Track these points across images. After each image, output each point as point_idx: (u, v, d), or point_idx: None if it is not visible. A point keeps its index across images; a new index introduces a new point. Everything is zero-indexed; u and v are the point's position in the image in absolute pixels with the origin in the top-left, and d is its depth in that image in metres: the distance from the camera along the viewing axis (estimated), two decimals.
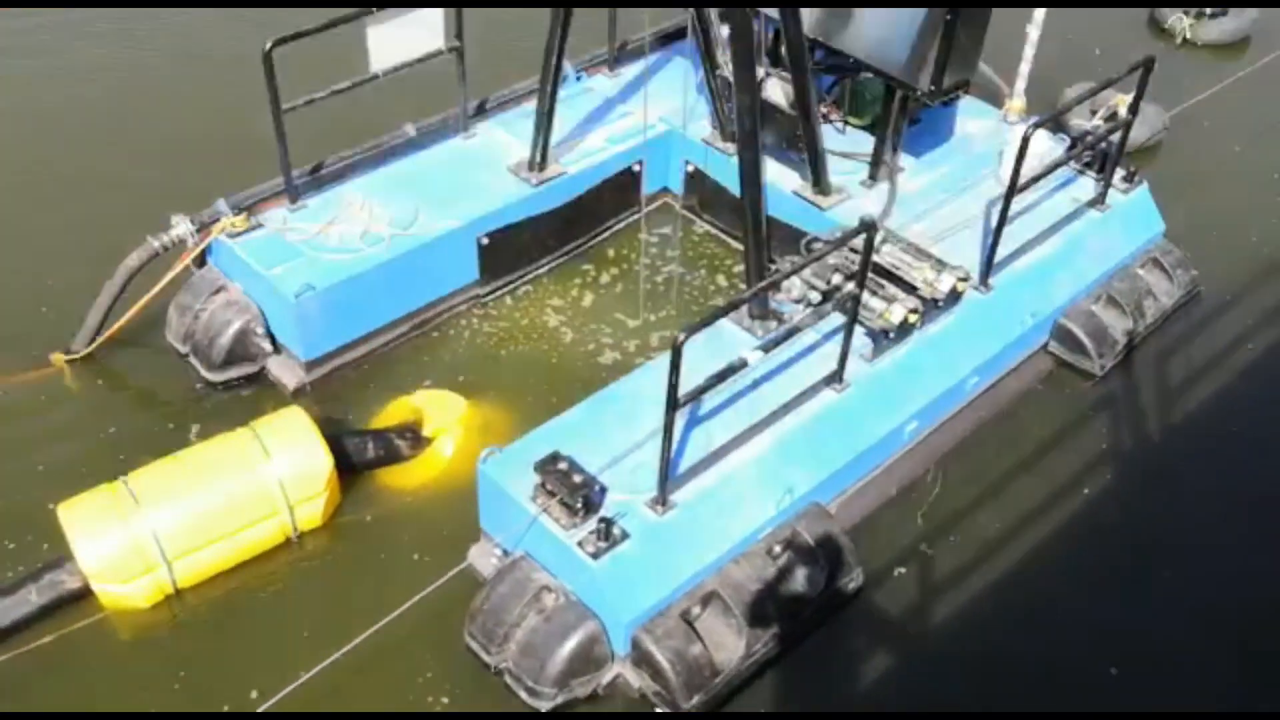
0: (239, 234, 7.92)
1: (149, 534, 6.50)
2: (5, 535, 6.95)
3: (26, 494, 7.10)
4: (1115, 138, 8.40)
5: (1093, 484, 7.64)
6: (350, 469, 7.25)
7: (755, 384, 7.02)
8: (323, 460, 6.91)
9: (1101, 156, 8.65)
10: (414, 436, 7.57)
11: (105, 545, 6.46)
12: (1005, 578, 7.10)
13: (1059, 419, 8.07)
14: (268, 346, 7.96)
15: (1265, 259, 9.41)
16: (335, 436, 7.16)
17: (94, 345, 8.02)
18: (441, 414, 7.70)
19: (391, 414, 7.76)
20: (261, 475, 6.75)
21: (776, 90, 8.29)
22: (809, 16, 8.08)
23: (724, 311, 6.10)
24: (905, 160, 8.80)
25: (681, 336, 5.63)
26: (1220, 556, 7.28)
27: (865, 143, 8.73)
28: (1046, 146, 8.31)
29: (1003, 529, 7.34)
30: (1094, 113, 9.45)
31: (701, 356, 6.31)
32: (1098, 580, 7.11)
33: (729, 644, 6.35)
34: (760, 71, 8.25)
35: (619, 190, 9.02)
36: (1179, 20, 11.96)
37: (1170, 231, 8.91)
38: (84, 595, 6.60)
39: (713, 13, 8.16)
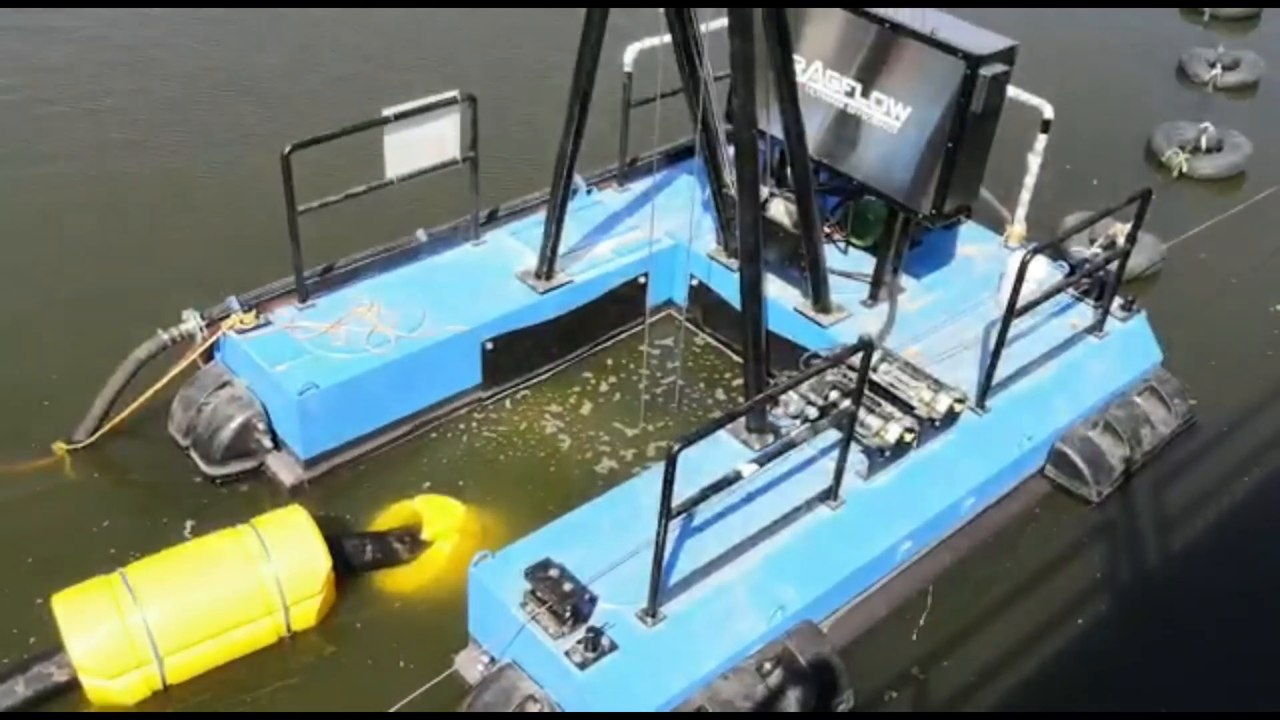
0: (247, 330, 8.04)
1: (142, 628, 6.46)
2: None
3: (15, 587, 7.09)
4: (1113, 266, 8.54)
5: (1087, 612, 7.58)
6: (347, 570, 7.24)
7: (750, 498, 7.03)
8: (321, 561, 6.92)
9: (1100, 284, 8.77)
10: (412, 540, 7.57)
11: (97, 638, 6.43)
12: (997, 706, 6.99)
13: (1055, 545, 8.04)
14: (268, 443, 8.00)
15: (1261, 390, 9.45)
16: (335, 538, 7.17)
17: (96, 435, 8.08)
18: (440, 519, 7.71)
19: (391, 517, 7.77)
20: (260, 574, 6.74)
21: (780, 209, 8.48)
22: (815, 139, 8.32)
23: (720, 424, 6.15)
24: (906, 282, 8.94)
25: (676, 447, 5.67)
26: (1217, 691, 7.17)
27: (867, 263, 8.87)
28: (1045, 272, 8.45)
29: (995, 655, 7.26)
30: (1093, 241, 9.63)
31: (698, 468, 6.35)
32: (1091, 712, 7.00)
33: None
34: (765, 191, 8.50)
35: (624, 301, 9.15)
36: (1175, 154, 12.24)
37: (1168, 360, 8.99)
38: (71, 689, 6.53)
39: (720, 132, 8.38)
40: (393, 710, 6.37)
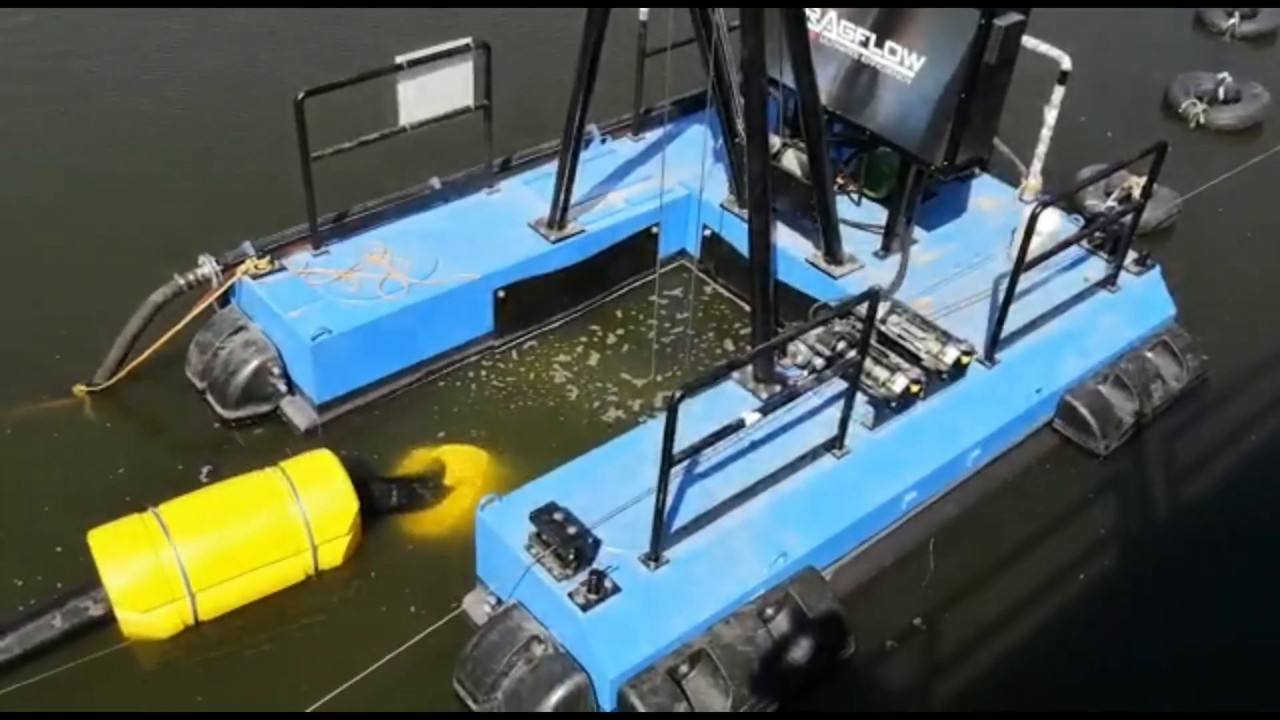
0: (262, 276, 8.13)
1: (176, 564, 6.65)
2: (11, 566, 7.09)
3: (38, 526, 7.30)
4: (1127, 220, 8.49)
5: (1092, 565, 7.62)
6: (372, 513, 7.39)
7: (755, 446, 7.10)
8: (350, 503, 7.10)
9: (1114, 238, 8.73)
10: (435, 486, 7.72)
11: (133, 572, 6.62)
12: (999, 657, 7.06)
13: (1061, 497, 8.07)
14: (283, 387, 8.12)
15: (1276, 346, 9.41)
16: (363, 481, 7.32)
17: (115, 378, 8.22)
18: (464, 467, 7.84)
19: (415, 462, 7.91)
20: (289, 513, 6.92)
21: (793, 160, 8.47)
22: (828, 90, 8.29)
23: (723, 371, 6.21)
24: (919, 234, 8.92)
25: (678, 394, 5.73)
26: (1222, 645, 7.21)
27: (881, 215, 8.86)
28: (1057, 225, 8.40)
29: (998, 607, 7.32)
30: (1109, 194, 9.57)
31: (706, 417, 6.41)
32: (1094, 664, 7.07)
33: (715, 704, 6.36)
34: (777, 141, 8.49)
35: (636, 251, 9.18)
36: (1192, 105, 12.10)
37: (1181, 315, 8.95)
38: (106, 623, 6.72)
39: (733, 81, 8.35)
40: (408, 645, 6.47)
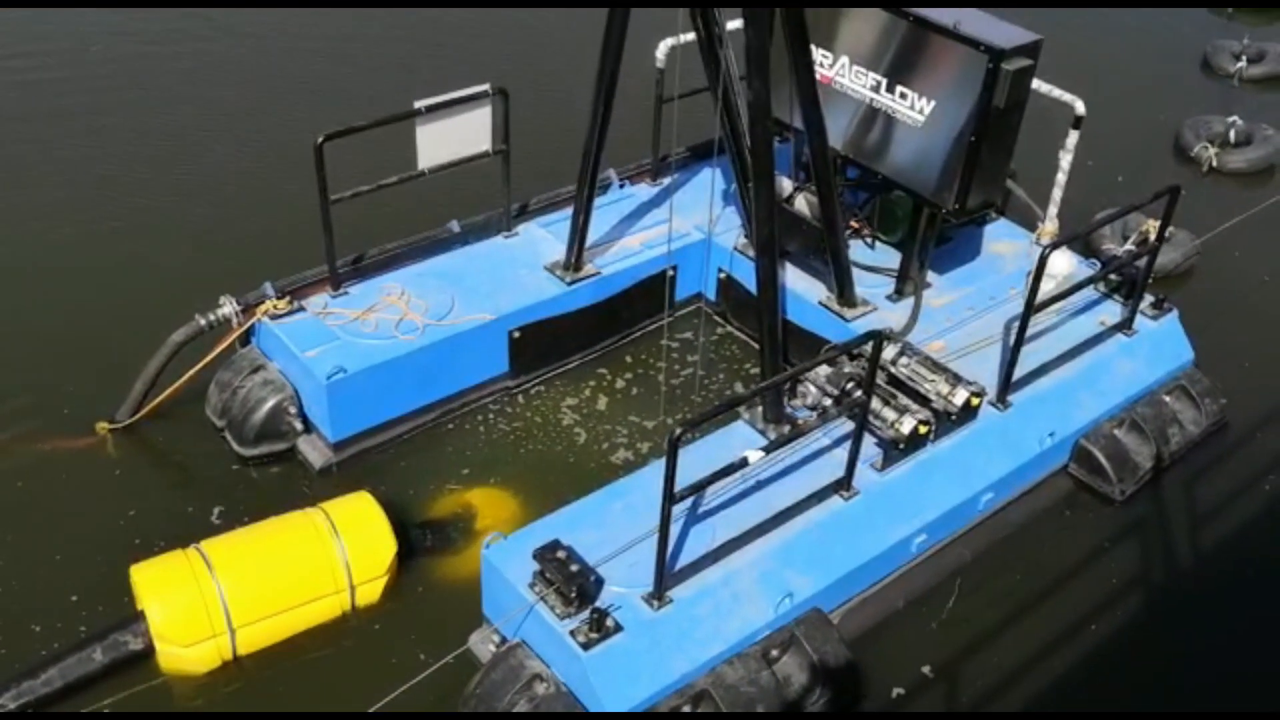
0: (281, 316, 8.27)
1: (219, 598, 6.76)
2: (32, 601, 7.20)
3: (61, 561, 7.46)
4: (1142, 263, 8.46)
5: (1106, 612, 7.52)
6: (407, 554, 7.48)
7: (762, 486, 7.10)
8: (389, 545, 7.23)
9: (1131, 282, 8.70)
10: (466, 529, 7.82)
11: (176, 606, 6.74)
12: (1010, 706, 6.97)
13: (1076, 542, 7.98)
14: (299, 426, 8.23)
15: None
16: (400, 524, 7.46)
17: (137, 416, 8.37)
18: (494, 511, 7.93)
19: (447, 504, 8.00)
20: (330, 553, 7.05)
21: (805, 203, 8.53)
22: (842, 135, 8.38)
23: (724, 407, 6.25)
24: (933, 278, 8.93)
25: (677, 431, 5.76)
26: (1240, 692, 7.11)
27: (896, 259, 8.89)
28: (1071, 269, 8.39)
29: (1006, 655, 7.23)
30: (1126, 239, 9.54)
31: (716, 461, 6.43)
32: (1107, 712, 6.97)
33: None
34: (789, 185, 8.57)
35: (651, 294, 9.23)
36: (1204, 149, 12.08)
37: (1200, 359, 8.88)
38: (145, 656, 6.81)
39: (745, 126, 8.44)
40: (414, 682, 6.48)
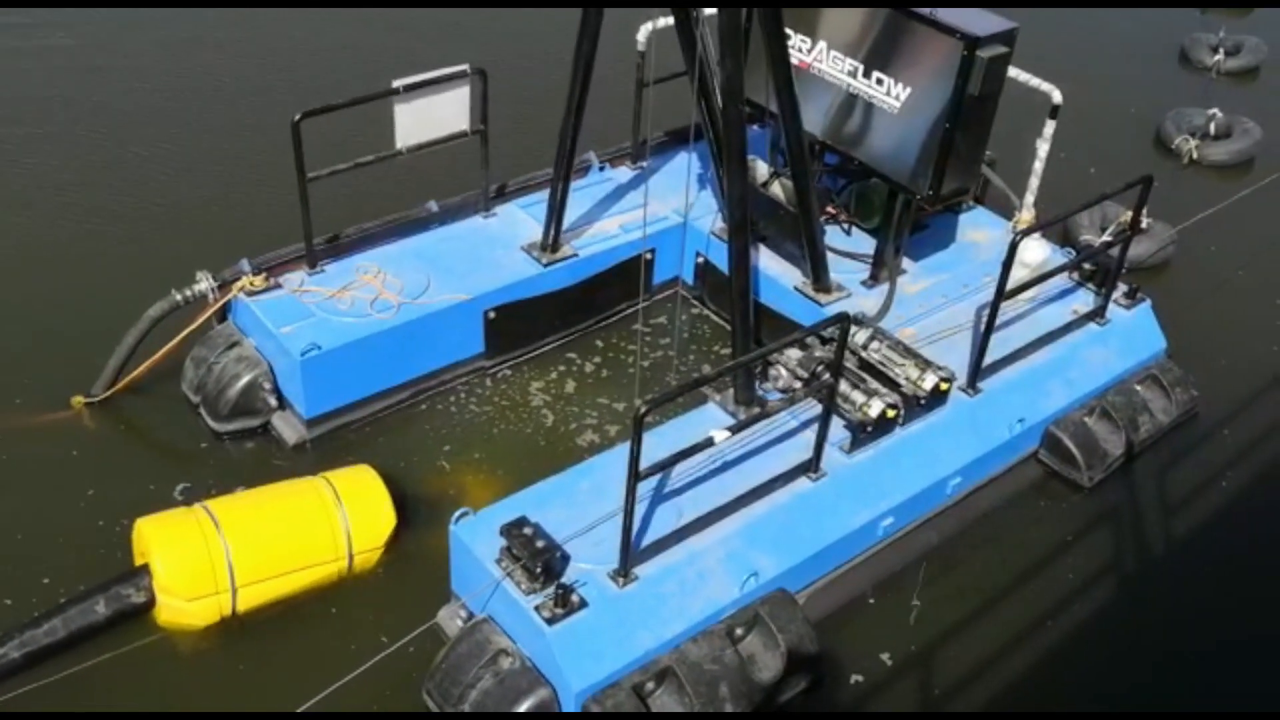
0: (257, 293, 8.29)
1: (224, 555, 6.86)
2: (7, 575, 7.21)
3: (35, 528, 7.49)
4: (1115, 252, 8.51)
5: (1072, 599, 7.57)
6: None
7: (730, 466, 7.15)
8: (389, 518, 7.35)
9: (1105, 271, 8.75)
10: (443, 506, 7.75)
11: (182, 559, 6.82)
12: (973, 693, 7.01)
13: (1043, 529, 8.03)
14: (274, 402, 8.25)
15: (1266, 382, 9.37)
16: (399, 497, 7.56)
17: (112, 391, 8.39)
18: (474, 489, 7.96)
19: (427, 481, 8.02)
20: (333, 521, 7.16)
21: (780, 188, 8.57)
22: (820, 121, 8.41)
23: (689, 387, 6.29)
24: (909, 264, 8.98)
25: (642, 409, 5.80)
26: (1206, 680, 7.17)
27: (872, 245, 8.92)
28: (1044, 257, 8.43)
29: (970, 639, 7.27)
30: (1104, 229, 9.59)
31: (682, 438, 6.48)
32: (1071, 700, 7.02)
33: None
34: (766, 170, 8.60)
35: (628, 277, 9.24)
36: (1185, 141, 12.15)
37: (1172, 349, 8.93)
38: (147, 609, 6.88)
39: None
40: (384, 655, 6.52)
